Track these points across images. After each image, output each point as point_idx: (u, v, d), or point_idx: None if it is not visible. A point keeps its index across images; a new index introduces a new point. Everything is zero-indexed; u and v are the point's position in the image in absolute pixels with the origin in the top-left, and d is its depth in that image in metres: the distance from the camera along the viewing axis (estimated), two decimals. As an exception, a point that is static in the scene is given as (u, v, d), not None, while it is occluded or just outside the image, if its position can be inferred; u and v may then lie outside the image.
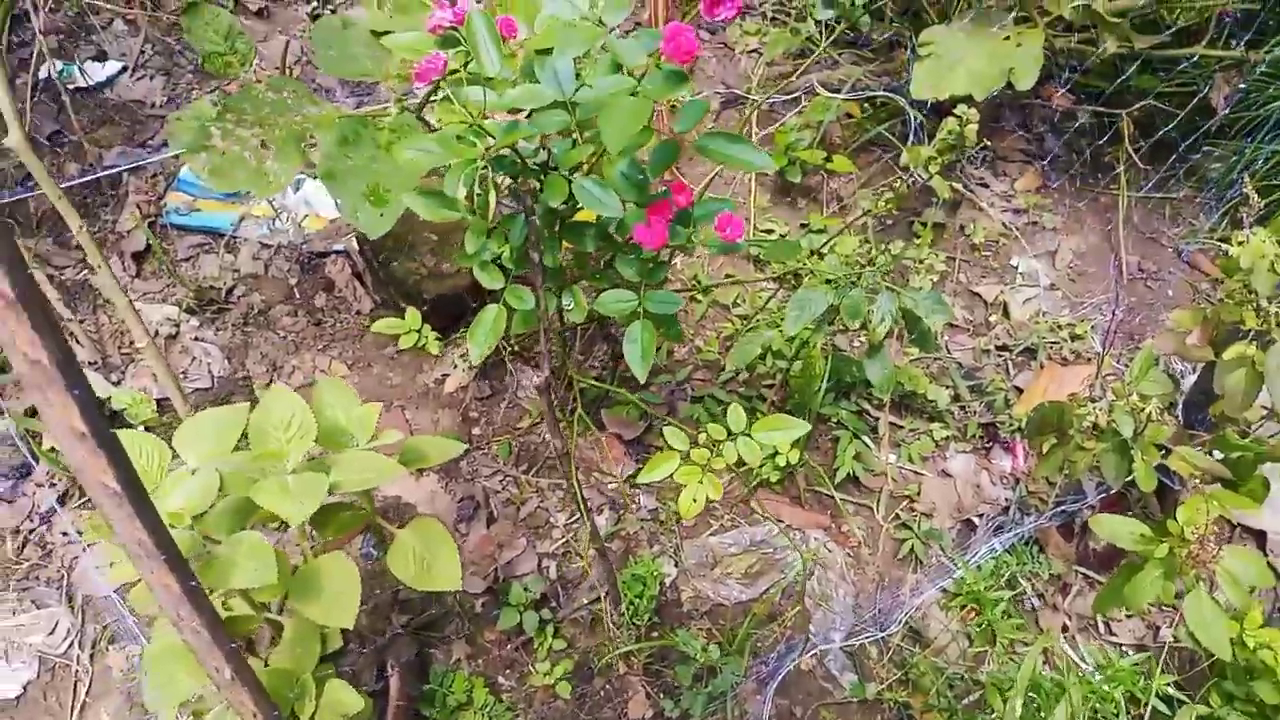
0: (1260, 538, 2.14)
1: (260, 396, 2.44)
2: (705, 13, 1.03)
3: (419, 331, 1.80)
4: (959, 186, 2.70)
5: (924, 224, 2.67)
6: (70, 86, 2.97)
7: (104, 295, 2.59)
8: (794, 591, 2.07)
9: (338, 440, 1.58)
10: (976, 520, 2.20)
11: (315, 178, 2.76)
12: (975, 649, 2.02)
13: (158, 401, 2.36)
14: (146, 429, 2.31)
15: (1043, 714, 1.73)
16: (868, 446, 2.29)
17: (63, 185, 2.01)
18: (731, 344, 2.45)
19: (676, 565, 2.14)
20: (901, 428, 2.35)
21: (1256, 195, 1.46)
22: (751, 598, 2.10)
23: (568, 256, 1.52)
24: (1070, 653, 2.01)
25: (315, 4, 3.24)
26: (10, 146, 1.78)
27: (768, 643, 2.04)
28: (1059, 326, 2.50)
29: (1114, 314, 2.20)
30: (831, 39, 2.00)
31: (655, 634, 2.02)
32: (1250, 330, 1.40)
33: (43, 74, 2.95)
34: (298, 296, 2.62)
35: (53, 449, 2.29)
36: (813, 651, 2.00)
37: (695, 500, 1.37)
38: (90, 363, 2.47)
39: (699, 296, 2.52)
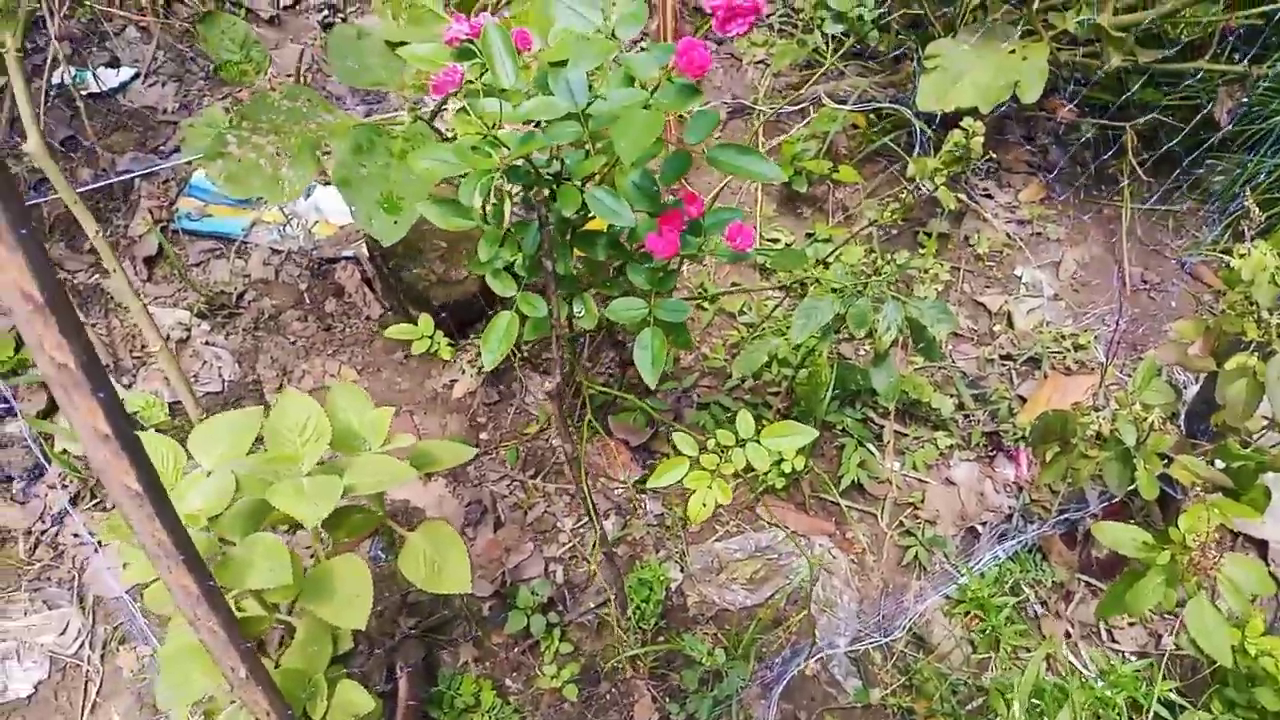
0: (1262, 546, 2.16)
1: (270, 400, 2.47)
2: (718, 28, 1.05)
3: (431, 337, 1.82)
4: (963, 197, 2.73)
5: (929, 234, 2.69)
6: (83, 92, 3.00)
7: (115, 299, 2.61)
8: (799, 597, 2.09)
9: (351, 444, 1.60)
10: (980, 528, 2.22)
11: (326, 184, 2.79)
12: (979, 655, 2.03)
13: (169, 405, 2.38)
14: (158, 431, 2.33)
15: (1046, 719, 1.75)
16: (872, 454, 2.31)
17: (77, 190, 2.04)
18: (737, 351, 2.47)
19: (682, 570, 2.16)
20: (906, 435, 2.37)
21: (1258, 209, 1.48)
22: (757, 603, 2.12)
23: (578, 264, 1.55)
24: (1073, 659, 2.02)
25: (326, 12, 3.27)
26: (29, 152, 1.81)
27: (773, 648, 2.06)
28: (1062, 336, 2.52)
29: (1118, 325, 2.22)
30: (840, 53, 2.02)
31: (661, 638, 2.04)
32: (1251, 341, 1.42)
33: (56, 79, 2.98)
34: (308, 302, 2.64)
35: (64, 451, 2.32)
36: (817, 657, 2.02)
37: (705, 505, 1.39)
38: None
39: (705, 304, 2.54)
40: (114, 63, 3.16)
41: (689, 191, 1.29)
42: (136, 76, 3.14)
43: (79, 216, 1.92)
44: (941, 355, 2.31)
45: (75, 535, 2.24)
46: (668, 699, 1.98)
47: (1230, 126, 2.46)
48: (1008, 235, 2.74)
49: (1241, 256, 1.38)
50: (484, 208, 1.20)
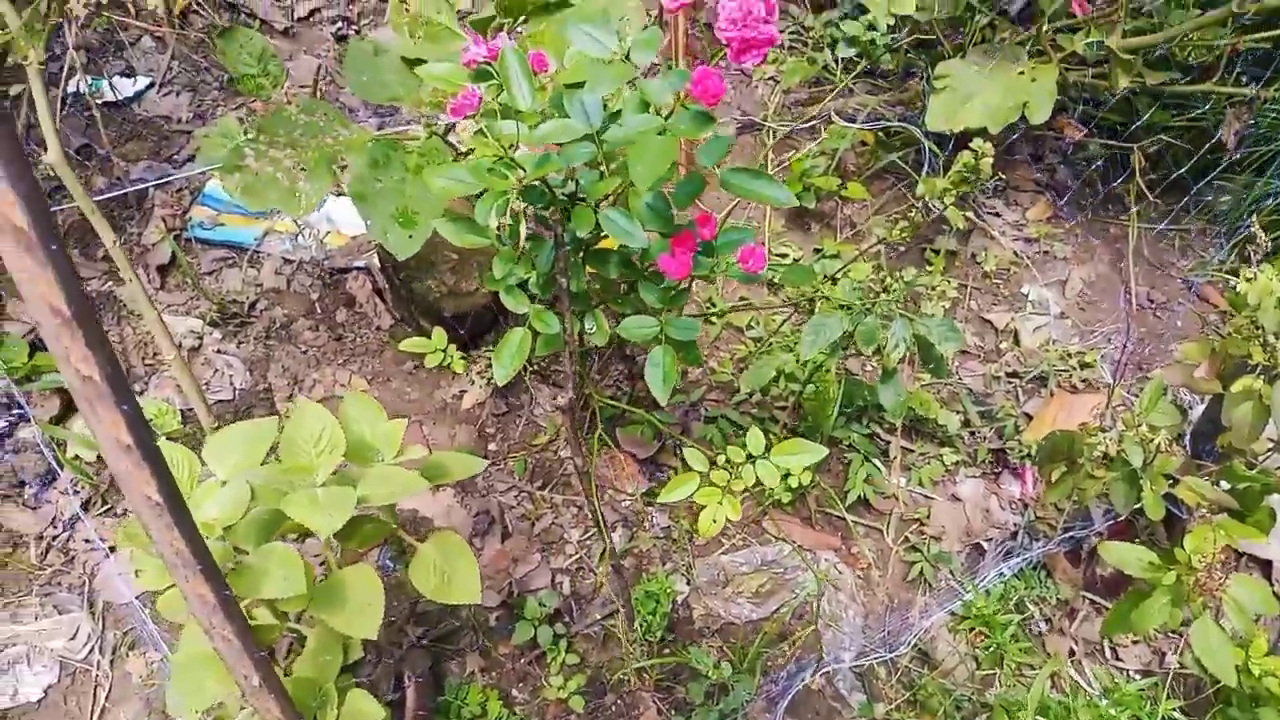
0: (1266, 566, 2.17)
1: (281, 409, 2.49)
2: (732, 59, 1.07)
3: (444, 351, 1.84)
4: (971, 215, 2.75)
5: (936, 251, 2.71)
6: (99, 101, 3.03)
7: (129, 306, 2.64)
8: (804, 611, 2.10)
9: (364, 455, 1.62)
10: (985, 544, 2.23)
11: (339, 195, 2.81)
12: (983, 671, 2.04)
13: (181, 412, 2.40)
14: (170, 439, 2.35)
15: (1049, 738, 1.75)
16: (879, 469, 2.32)
17: (95, 200, 2.07)
18: (745, 365, 2.49)
19: (689, 583, 2.17)
20: (912, 451, 2.38)
21: (1264, 234, 1.50)
22: (762, 617, 2.13)
23: (590, 280, 1.56)
24: (1077, 677, 2.03)
25: (340, 25, 3.30)
26: (48, 163, 1.83)
27: (778, 662, 2.07)
28: (1069, 355, 2.53)
29: (1125, 347, 2.23)
30: (853, 75, 2.05)
31: (667, 650, 2.05)
32: (1258, 364, 1.44)
33: (72, 88, 3.01)
34: (319, 311, 2.66)
35: (76, 457, 2.34)
36: (822, 671, 2.03)
37: (715, 521, 1.41)
38: (115, 373, 2.52)
39: (713, 319, 2.56)
40: (130, 72, 3.19)
41: (702, 213, 1.31)
42: (151, 86, 3.17)
43: (96, 226, 1.94)
44: (949, 372, 2.33)
45: (86, 541, 2.26)
46: (673, 712, 1.99)
47: (1237, 149, 2.48)
48: (1015, 253, 2.76)
49: (1248, 280, 1.40)
50: (499, 227, 1.21)
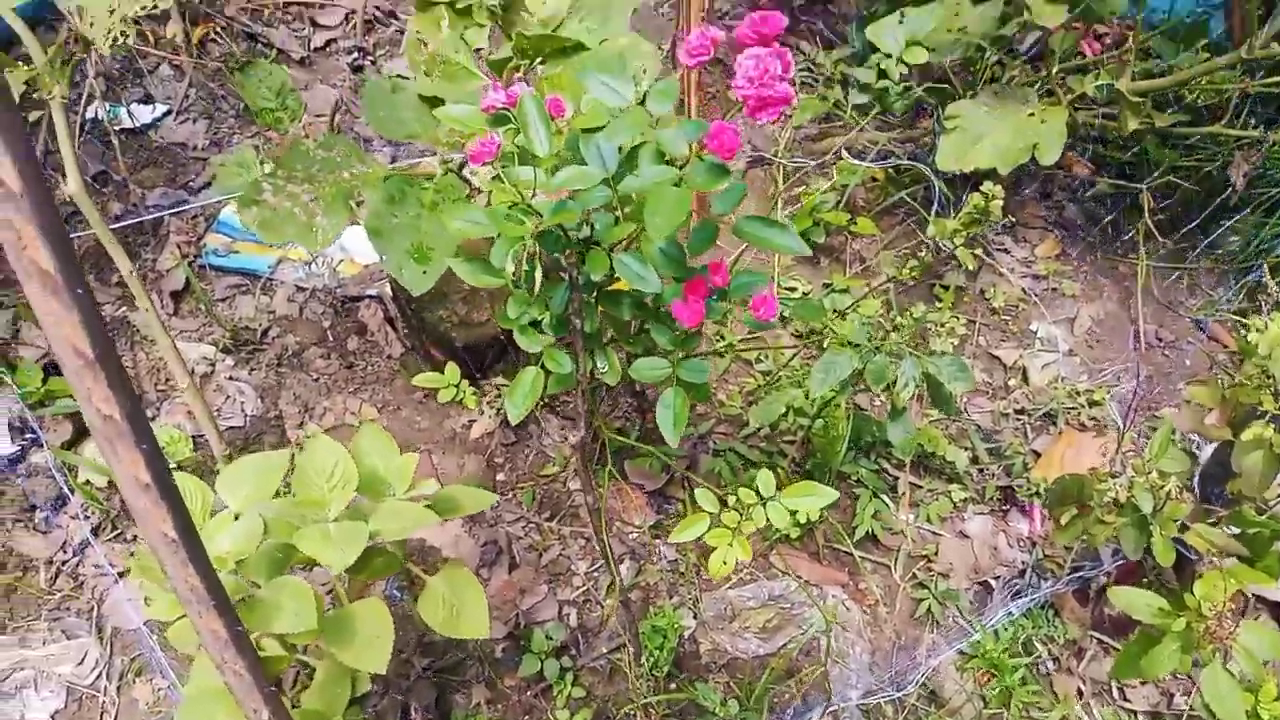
0: (1275, 608, 2.16)
1: (292, 437, 2.50)
2: (749, 115, 1.08)
3: (457, 386, 1.86)
4: (980, 252, 2.76)
5: (945, 287, 2.72)
6: (116, 128, 3.06)
7: (142, 332, 2.66)
8: (812, 648, 2.10)
9: (376, 489, 1.63)
10: (993, 582, 2.23)
11: (353, 224, 2.84)
12: (990, 710, 2.04)
13: (193, 438, 2.42)
14: (181, 466, 2.37)
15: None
16: (887, 505, 2.32)
17: (110, 227, 2.09)
18: (753, 399, 2.49)
19: (695, 617, 2.17)
20: (920, 487, 2.38)
21: (1275, 283, 1.51)
22: (769, 652, 2.13)
23: (601, 320, 1.58)
24: (1085, 717, 2.02)
25: (356, 55, 3.34)
26: (69, 193, 1.86)
27: (785, 699, 2.06)
28: (1077, 392, 2.54)
29: (1135, 394, 2.23)
30: (866, 119, 2.06)
31: (674, 686, 2.05)
32: (1268, 411, 1.44)
33: (90, 114, 3.05)
34: (331, 339, 2.68)
35: (87, 482, 2.35)
36: (830, 710, 2.02)
37: (725, 562, 1.41)
38: (128, 399, 2.53)
39: (722, 352, 2.57)
40: (148, 99, 3.23)
41: (715, 261, 1.33)
42: (169, 113, 3.21)
43: (113, 254, 1.96)
44: (958, 410, 2.33)
45: (96, 566, 2.27)
46: (679, 748, 1.99)
47: (1246, 190, 2.49)
48: (1023, 290, 2.77)
49: (1258, 330, 1.41)
50: (517, 273, 1.23)
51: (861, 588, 2.24)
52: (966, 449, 2.42)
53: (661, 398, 1.39)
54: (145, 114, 3.17)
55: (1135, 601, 1.52)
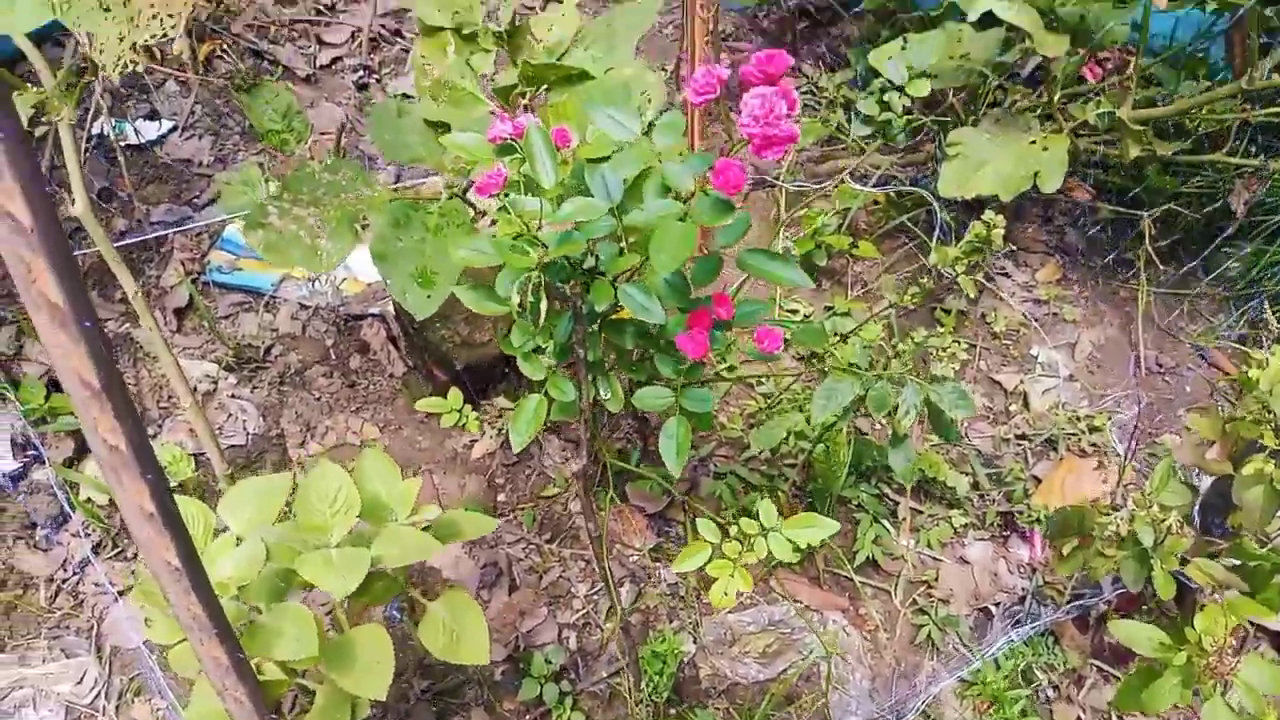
0: (1275, 637, 2.16)
1: (293, 455, 2.51)
2: (754, 153, 1.09)
3: (460, 411, 1.87)
4: (980, 277, 2.77)
5: (946, 310, 2.73)
6: (122, 144, 3.08)
7: (145, 348, 2.66)
8: (812, 674, 2.10)
9: (379, 514, 1.64)
10: (993, 608, 2.23)
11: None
12: (989, 740, 2.03)
13: (195, 456, 2.42)
14: (183, 486, 2.37)
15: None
16: (887, 530, 2.32)
17: (116, 245, 2.10)
18: (755, 421, 2.50)
19: (695, 641, 2.17)
20: (921, 513, 2.38)
21: (1275, 319, 1.52)
22: (769, 677, 2.12)
23: (605, 348, 1.58)
24: (1084, 748, 2.02)
25: (361, 73, 3.36)
26: (76, 214, 1.87)
27: (784, 725, 2.06)
28: (1077, 418, 2.54)
29: (1135, 428, 2.24)
30: (871, 149, 2.08)
31: (673, 711, 2.05)
32: (1269, 447, 1.45)
33: (96, 129, 3.06)
34: (333, 358, 2.69)
35: (88, 500, 2.35)
36: (828, 736, 2.02)
37: (727, 594, 1.41)
38: (130, 416, 2.54)
39: (724, 373, 2.58)
40: (153, 115, 3.24)
41: (719, 293, 1.33)
42: (174, 129, 3.22)
43: (118, 274, 1.97)
44: (959, 436, 2.34)
45: (96, 584, 2.27)
46: (678, 774, 1.98)
47: (1246, 217, 2.50)
48: (1024, 314, 2.78)
49: (1259, 365, 1.41)
50: (523, 304, 1.24)
51: (861, 613, 2.24)
52: (967, 474, 2.43)
53: (665, 427, 1.40)
54: (151, 130, 3.19)
55: (1136, 635, 1.52)
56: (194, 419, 2.16)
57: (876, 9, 3.00)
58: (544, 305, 1.24)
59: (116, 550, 2.31)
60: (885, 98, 1.62)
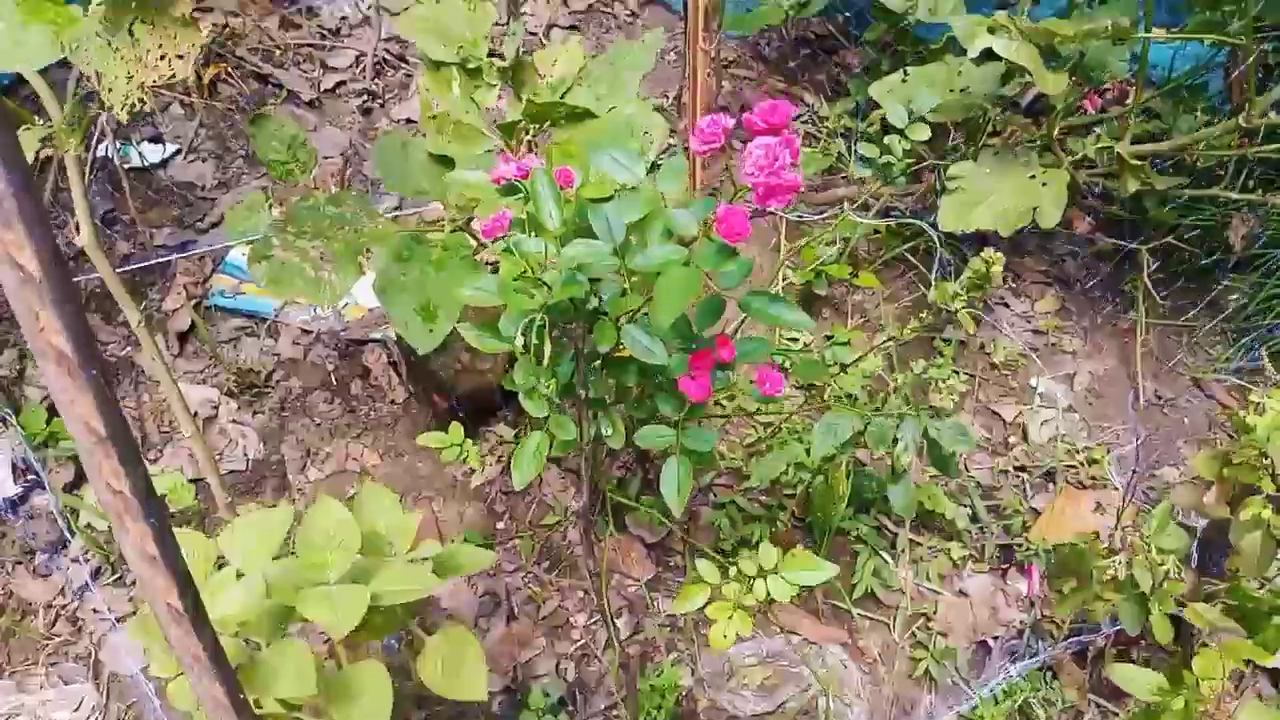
0: (1274, 674, 2.16)
1: (294, 481, 2.51)
2: (757, 202, 1.11)
3: (460, 446, 1.88)
4: (979, 308, 2.78)
5: (946, 340, 2.74)
6: (125, 167, 3.09)
7: (147, 372, 2.67)
8: (810, 708, 2.10)
9: (378, 547, 1.64)
10: (992, 642, 2.23)
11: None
12: (988, 776, 2.03)
13: (195, 483, 2.43)
14: (183, 514, 2.38)
15: None
16: (886, 562, 2.32)
17: (120, 270, 2.10)
18: (754, 450, 2.50)
19: (693, 673, 2.17)
20: (920, 545, 2.38)
21: (1273, 368, 1.53)
22: (767, 710, 2.12)
23: (607, 384, 1.59)
24: (1082, 785, 2.02)
25: (365, 98, 3.38)
26: (82, 245, 1.88)
27: (781, 759, 2.06)
28: (1076, 450, 2.55)
29: (1134, 472, 2.24)
30: (873, 188, 2.09)
31: (671, 745, 2.05)
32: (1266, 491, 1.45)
33: (99, 152, 3.07)
34: (334, 383, 2.69)
35: (88, 525, 2.35)
36: (826, 771, 2.02)
37: (726, 636, 1.42)
38: (131, 441, 2.54)
39: (723, 403, 2.58)
40: (157, 138, 3.26)
41: (722, 336, 1.34)
42: (178, 152, 3.24)
43: (122, 304, 1.98)
44: (958, 471, 2.34)
45: (95, 610, 2.27)
46: (675, 808, 1.98)
47: (1245, 251, 2.52)
48: (1023, 345, 2.79)
49: (1256, 412, 1.42)
50: (527, 346, 1.25)
51: (860, 646, 2.24)
52: (966, 506, 2.43)
53: (665, 467, 1.41)
54: (155, 153, 3.20)
55: (1134, 679, 1.52)
56: (196, 447, 2.17)
57: (875, 40, 3.03)
58: (548, 346, 1.25)
59: (115, 576, 2.31)
60: (886, 140, 1.64)
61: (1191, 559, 1.81)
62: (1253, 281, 2.67)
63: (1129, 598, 1.58)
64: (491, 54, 2.00)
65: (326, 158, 3.20)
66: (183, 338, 2.77)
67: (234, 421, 2.60)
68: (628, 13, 3.81)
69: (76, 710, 2.13)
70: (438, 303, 1.79)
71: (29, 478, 2.41)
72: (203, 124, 3.31)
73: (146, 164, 3.15)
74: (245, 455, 2.55)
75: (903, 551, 2.36)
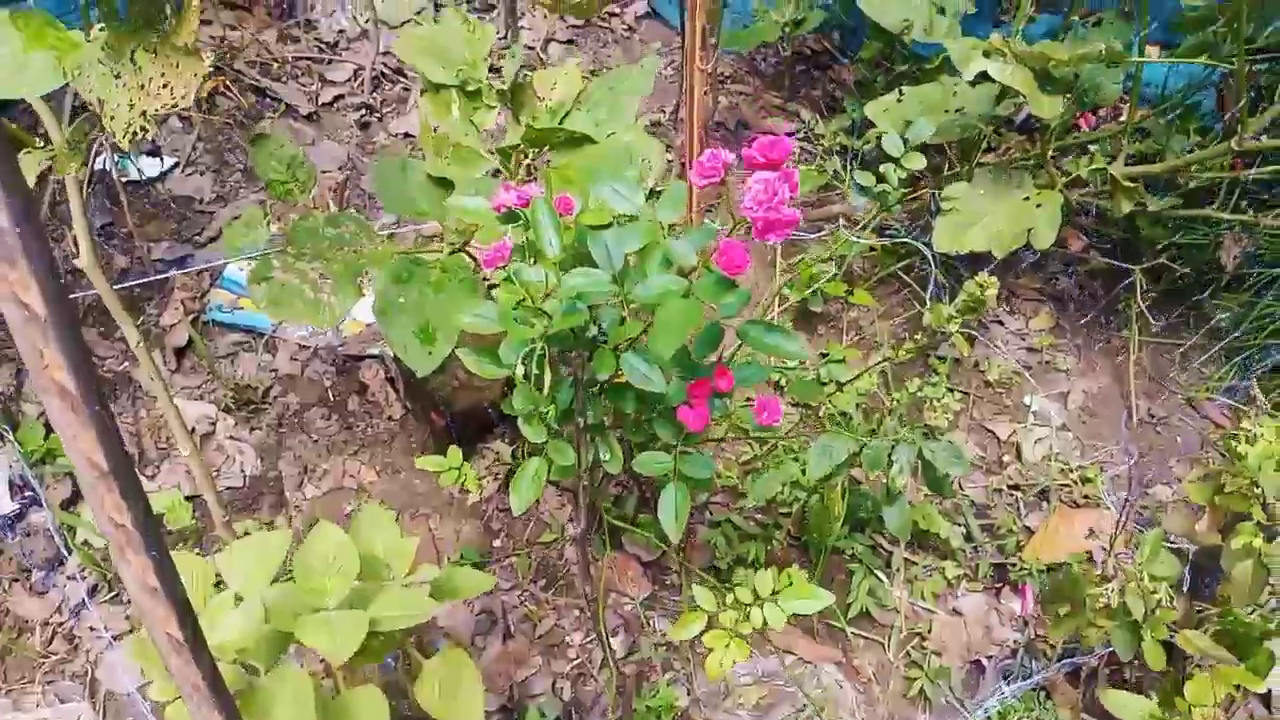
0: (1266, 699, 2.17)
1: (291, 498, 2.51)
2: (756, 237, 1.12)
3: (458, 469, 1.88)
4: (974, 325, 2.79)
5: (941, 358, 2.75)
6: (123, 180, 3.09)
7: (144, 388, 2.67)
8: (804, 728, 2.11)
9: (376, 571, 1.65)
10: (985, 661, 2.24)
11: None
12: (982, 796, 2.04)
13: (192, 499, 2.43)
14: (181, 533, 2.38)
15: None
16: (881, 581, 2.33)
17: (118, 286, 2.11)
18: (750, 468, 2.51)
19: (689, 693, 2.18)
20: (915, 564, 2.40)
21: (1263, 396, 1.54)
22: (762, 730, 2.13)
23: (604, 408, 1.60)
24: (1076, 805, 2.03)
25: (363, 112, 3.39)
26: (81, 265, 1.88)
27: (777, 779, 2.06)
28: (1069, 469, 2.56)
29: (1127, 501, 2.26)
30: (872, 217, 2.11)
31: (666, 765, 2.05)
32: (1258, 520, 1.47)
33: (97, 165, 3.08)
34: (332, 399, 2.70)
35: (85, 543, 2.35)
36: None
37: (722, 665, 1.43)
38: (128, 457, 2.54)
39: (723, 438, 2.59)
40: (155, 151, 3.26)
41: (720, 366, 1.35)
42: (176, 165, 3.24)
43: (120, 322, 1.98)
44: (952, 492, 2.35)
45: (91, 628, 2.27)
46: (671, 828, 1.98)
47: (1237, 270, 2.54)
48: (1017, 363, 2.80)
49: (1247, 441, 1.43)
50: (527, 375, 1.26)
51: (855, 665, 2.25)
52: (960, 525, 2.44)
53: (663, 495, 1.41)
54: (153, 166, 3.20)
55: (1126, 705, 1.53)
56: (194, 466, 2.17)
57: (870, 58, 3.04)
58: (548, 374, 1.26)
59: (112, 594, 2.31)
60: (881, 169, 1.65)
61: (1184, 583, 1.83)
62: (1244, 301, 2.69)
63: (1121, 625, 1.59)
64: (490, 69, 2.01)
65: (324, 172, 3.21)
66: (180, 353, 2.77)
67: (231, 438, 2.60)
68: (625, 27, 3.83)
69: (72, 729, 2.14)
70: (436, 325, 1.79)
71: (26, 494, 2.41)
72: (201, 137, 3.31)
73: (144, 177, 3.16)
74: (242, 472, 2.55)
75: (897, 570, 2.37)
